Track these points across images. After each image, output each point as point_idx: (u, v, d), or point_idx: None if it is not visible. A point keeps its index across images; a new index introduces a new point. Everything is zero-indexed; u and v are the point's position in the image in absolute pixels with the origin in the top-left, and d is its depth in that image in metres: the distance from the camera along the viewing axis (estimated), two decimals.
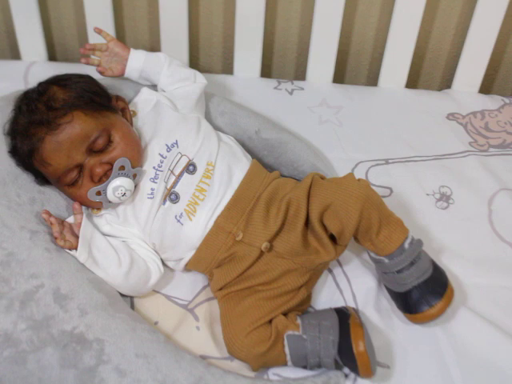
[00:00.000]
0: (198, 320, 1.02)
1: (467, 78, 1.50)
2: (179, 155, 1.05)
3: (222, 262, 1.02)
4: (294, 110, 1.40)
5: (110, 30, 1.41)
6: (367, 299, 1.04)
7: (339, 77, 1.63)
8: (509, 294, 1.06)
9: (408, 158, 1.31)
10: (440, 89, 1.62)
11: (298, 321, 0.96)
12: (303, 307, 1.02)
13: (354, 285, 1.06)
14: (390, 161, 1.30)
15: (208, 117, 1.22)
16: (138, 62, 1.19)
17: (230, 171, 1.05)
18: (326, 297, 1.05)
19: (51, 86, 1.03)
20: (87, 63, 1.21)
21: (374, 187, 1.00)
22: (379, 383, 0.93)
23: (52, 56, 1.57)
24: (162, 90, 1.20)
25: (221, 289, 1.02)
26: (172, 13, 1.40)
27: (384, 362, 0.96)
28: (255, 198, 1.03)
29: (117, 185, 0.98)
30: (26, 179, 1.05)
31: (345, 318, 0.94)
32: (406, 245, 0.97)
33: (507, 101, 1.49)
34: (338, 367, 0.93)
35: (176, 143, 1.06)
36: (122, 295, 1.02)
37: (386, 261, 0.98)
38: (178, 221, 1.02)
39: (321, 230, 0.98)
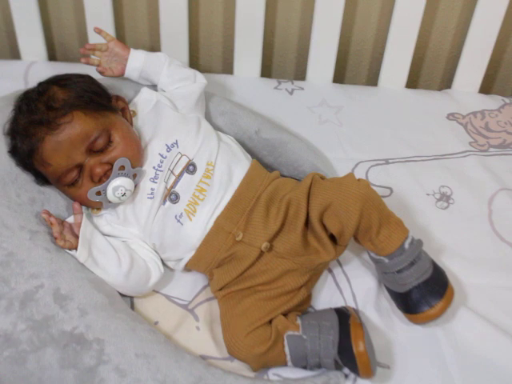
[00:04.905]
0: (198, 320, 1.02)
1: (467, 77, 1.50)
2: (179, 155, 1.05)
3: (222, 262, 1.02)
4: (293, 109, 1.40)
5: (109, 30, 1.41)
6: (367, 299, 1.04)
7: (339, 77, 1.63)
8: (509, 294, 1.06)
9: (408, 157, 1.31)
10: (440, 89, 1.62)
11: (298, 321, 0.96)
12: (303, 307, 1.02)
13: (354, 285, 1.06)
14: (390, 161, 1.30)
15: (208, 117, 1.22)
16: (137, 61, 1.19)
17: (229, 171, 1.05)
18: (326, 297, 1.05)
19: (51, 86, 1.03)
20: (87, 63, 1.21)
21: (373, 187, 1.00)
22: (379, 383, 0.93)
23: (52, 56, 1.57)
24: (162, 90, 1.20)
25: (221, 289, 1.02)
26: (172, 13, 1.40)
27: (384, 362, 0.96)
28: (255, 198, 1.03)
29: (117, 185, 0.98)
30: (25, 179, 1.05)
31: (345, 318, 0.94)
32: (406, 245, 0.97)
33: (507, 101, 1.49)
34: (338, 367, 0.93)
35: (176, 143, 1.06)
36: (122, 295, 1.02)
37: (386, 261, 0.98)
38: (178, 221, 1.02)
39: (321, 229, 0.98)
